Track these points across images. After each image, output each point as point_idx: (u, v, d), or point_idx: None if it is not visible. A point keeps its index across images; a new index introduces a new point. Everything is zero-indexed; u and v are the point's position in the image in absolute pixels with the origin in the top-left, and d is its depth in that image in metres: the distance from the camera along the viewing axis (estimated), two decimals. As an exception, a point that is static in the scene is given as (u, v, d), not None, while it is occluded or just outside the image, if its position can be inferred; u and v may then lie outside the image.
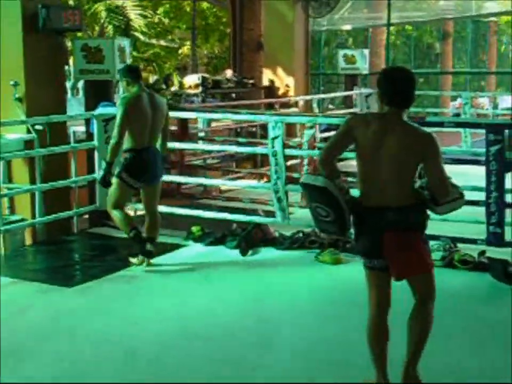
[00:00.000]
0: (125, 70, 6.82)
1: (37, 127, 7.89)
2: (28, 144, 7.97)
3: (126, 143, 6.60)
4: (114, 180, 6.65)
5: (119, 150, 6.56)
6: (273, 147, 7.30)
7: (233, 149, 8.87)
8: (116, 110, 6.69)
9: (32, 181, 7.96)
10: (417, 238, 4.03)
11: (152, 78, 19.85)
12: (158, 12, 22.69)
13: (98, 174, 6.93)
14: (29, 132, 7.93)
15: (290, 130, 11.08)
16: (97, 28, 18.64)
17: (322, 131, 10.45)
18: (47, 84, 8.14)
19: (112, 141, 6.52)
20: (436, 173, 3.94)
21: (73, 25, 8.16)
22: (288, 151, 7.65)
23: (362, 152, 4.00)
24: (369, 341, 4.15)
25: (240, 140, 10.14)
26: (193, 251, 7.55)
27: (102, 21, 15.99)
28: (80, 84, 10.55)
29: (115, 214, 6.76)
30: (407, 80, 4.05)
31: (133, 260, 6.94)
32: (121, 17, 15.45)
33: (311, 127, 7.97)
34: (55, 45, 8.24)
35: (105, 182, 6.67)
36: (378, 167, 3.94)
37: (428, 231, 4.18)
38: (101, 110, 8.06)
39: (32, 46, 7.99)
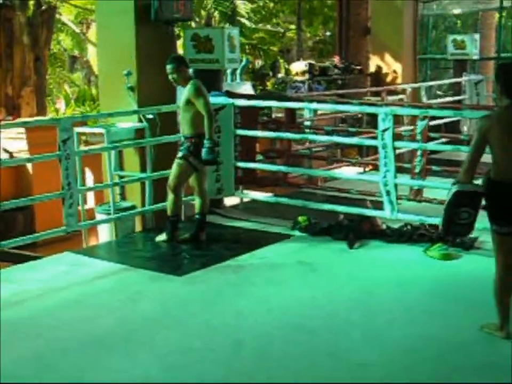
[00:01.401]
0: (180, 61, 7.28)
1: (148, 115, 8.04)
2: (139, 132, 8.12)
3: (193, 129, 7.14)
4: (178, 162, 7.21)
5: None
6: (383, 139, 7.20)
7: (341, 140, 8.77)
8: (198, 96, 7.07)
9: (143, 169, 8.12)
10: None
11: (257, 63, 19.93)
12: (263, -5, 22.74)
13: (205, 153, 7.06)
14: (140, 120, 8.08)
15: (397, 117, 10.91)
16: (203, 13, 18.79)
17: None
18: (157, 73, 8.21)
19: (211, 120, 7.02)
20: None
21: (183, 15, 8.24)
22: (399, 144, 7.53)
23: (497, 144, 4.74)
24: (497, 294, 4.91)
25: (349, 129, 10.02)
26: (300, 241, 7.55)
27: (208, 8, 16.08)
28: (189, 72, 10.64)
29: (171, 195, 7.34)
30: None
31: (160, 237, 7.47)
32: (227, 4, 15.49)
33: (424, 118, 7.82)
34: (165, 35, 8.34)
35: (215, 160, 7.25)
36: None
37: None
38: (210, 99, 8.12)
39: (144, 36, 8.12)
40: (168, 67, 7.17)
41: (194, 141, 7.14)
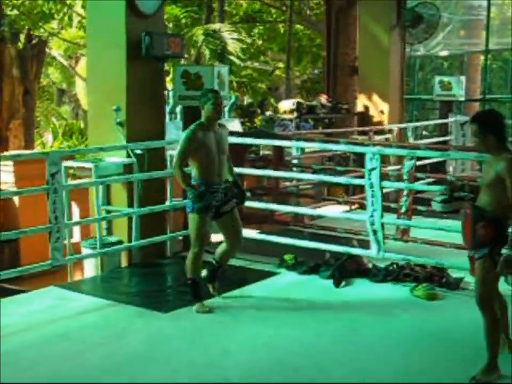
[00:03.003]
0: None
1: (137, 151, 8.06)
2: (127, 167, 8.13)
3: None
4: (236, 210, 6.77)
5: None
6: (370, 179, 7.25)
7: (328, 179, 8.83)
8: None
9: (130, 204, 8.12)
10: None
11: (245, 100, 20.06)
12: (253, 33, 22.94)
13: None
14: (128, 155, 8.09)
15: (383, 157, 10.99)
16: (193, 51, 18.92)
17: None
18: (147, 109, 8.30)
19: None
20: None
21: (174, 52, 8.30)
22: (386, 183, 7.58)
23: None
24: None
25: (337, 168, 10.11)
26: (286, 280, 7.56)
27: (199, 45, 16.22)
28: (178, 108, 10.74)
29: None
30: None
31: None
32: (217, 41, 15.64)
33: (411, 158, 7.89)
34: (156, 71, 8.39)
35: None
36: None
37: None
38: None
39: (134, 72, 8.16)
40: None
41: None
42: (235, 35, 16.52)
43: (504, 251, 4.75)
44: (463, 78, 15.15)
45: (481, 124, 4.96)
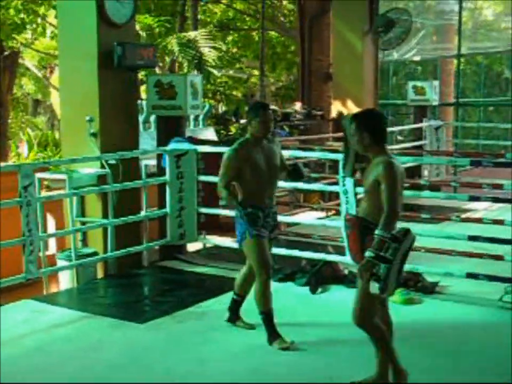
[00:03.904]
0: None
1: (110, 161, 8.04)
2: (101, 178, 8.10)
3: None
4: None
5: None
6: (344, 185, 7.28)
7: (304, 186, 8.85)
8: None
9: (105, 215, 8.08)
10: None
11: (220, 108, 20.09)
12: (227, 41, 22.97)
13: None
14: (102, 166, 8.07)
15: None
16: (167, 58, 18.89)
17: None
18: (120, 119, 8.30)
19: None
20: None
21: (147, 62, 8.31)
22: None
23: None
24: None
25: (312, 175, 10.14)
26: (263, 287, 7.53)
27: (174, 54, 16.17)
28: (152, 118, 10.72)
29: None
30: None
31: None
32: (193, 52, 15.61)
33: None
34: (128, 81, 8.40)
35: None
36: None
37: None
38: (173, 145, 8.18)
39: (106, 82, 8.16)
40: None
41: None
42: (211, 43, 16.49)
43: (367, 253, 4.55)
44: (436, 83, 15.21)
45: (358, 121, 4.71)
